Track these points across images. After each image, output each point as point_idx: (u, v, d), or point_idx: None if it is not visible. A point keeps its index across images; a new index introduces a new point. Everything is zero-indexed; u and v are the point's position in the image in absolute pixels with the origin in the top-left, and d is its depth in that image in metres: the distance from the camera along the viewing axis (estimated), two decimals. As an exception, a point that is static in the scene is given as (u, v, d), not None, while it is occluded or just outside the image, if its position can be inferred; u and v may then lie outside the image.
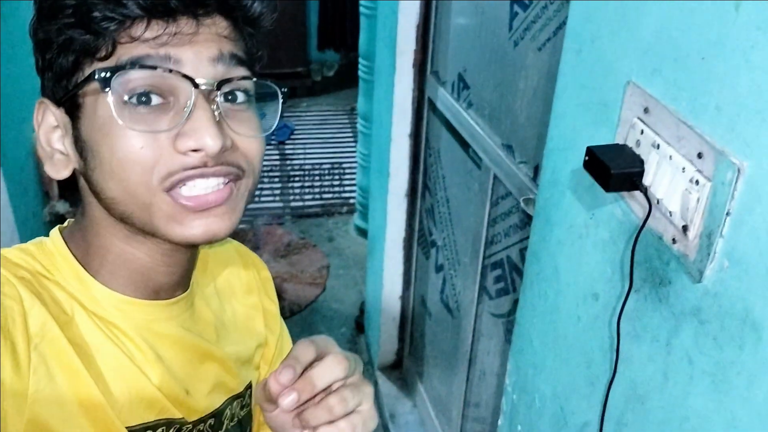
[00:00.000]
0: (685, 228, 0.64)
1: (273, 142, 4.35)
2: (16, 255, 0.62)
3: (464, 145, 1.67)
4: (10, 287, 0.57)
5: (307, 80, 5.00)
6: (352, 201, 3.74)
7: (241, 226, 3.44)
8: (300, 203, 3.76)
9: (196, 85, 0.56)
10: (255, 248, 3.27)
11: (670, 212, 0.66)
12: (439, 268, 1.99)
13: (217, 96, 0.57)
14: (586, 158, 0.72)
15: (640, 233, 0.70)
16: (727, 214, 0.59)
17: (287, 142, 4.37)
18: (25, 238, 2.20)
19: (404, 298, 2.33)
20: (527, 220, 1.36)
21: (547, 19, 1.20)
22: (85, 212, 0.64)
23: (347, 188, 3.91)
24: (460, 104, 1.66)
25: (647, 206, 0.68)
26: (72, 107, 0.59)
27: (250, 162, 0.62)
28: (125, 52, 0.56)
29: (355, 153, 4.19)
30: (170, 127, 0.56)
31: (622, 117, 0.74)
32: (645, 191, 0.68)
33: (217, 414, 0.72)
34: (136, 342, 0.64)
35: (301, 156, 4.25)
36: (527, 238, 1.38)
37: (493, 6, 1.43)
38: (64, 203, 2.68)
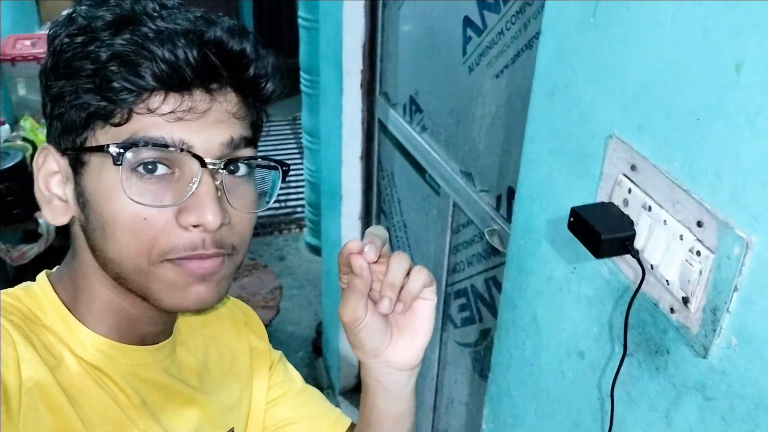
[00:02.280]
0: (685, 300, 0.59)
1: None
2: (4, 300, 0.62)
3: (420, 169, 1.61)
4: (2, 332, 0.57)
5: (245, 90, 4.86)
6: (298, 215, 3.66)
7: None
8: (247, 220, 3.65)
9: (204, 164, 0.57)
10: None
11: (667, 280, 0.61)
12: (398, 293, 1.93)
13: (222, 173, 0.59)
14: (571, 219, 0.67)
15: (633, 299, 0.65)
16: (735, 289, 0.54)
17: (229, 155, 4.24)
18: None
19: (363, 321, 2.27)
20: (492, 250, 1.31)
21: (504, 46, 1.15)
22: (76, 258, 0.65)
23: (293, 201, 3.81)
24: (413, 128, 1.60)
25: (640, 271, 0.63)
26: (77, 161, 0.59)
27: (242, 239, 0.63)
28: (139, 122, 0.56)
29: (300, 164, 4.10)
30: (174, 201, 0.58)
31: (605, 171, 0.69)
32: (637, 255, 0.64)
33: None
34: (122, 386, 0.64)
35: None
36: (493, 267, 1.33)
37: (443, 29, 1.37)
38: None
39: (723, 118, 0.54)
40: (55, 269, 0.68)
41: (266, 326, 0.89)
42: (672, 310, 0.62)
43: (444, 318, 1.61)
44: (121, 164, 0.56)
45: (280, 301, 2.81)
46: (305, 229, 3.35)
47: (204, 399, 0.73)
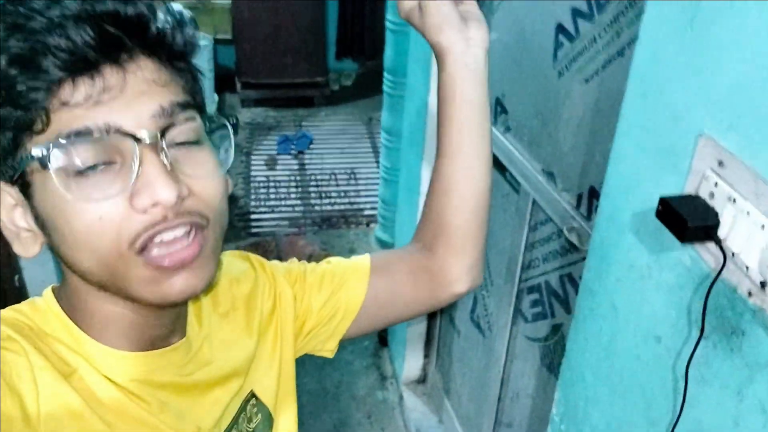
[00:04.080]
0: (763, 284, 0.65)
1: (293, 152, 4.37)
2: (11, 315, 0.62)
3: (501, 168, 1.68)
4: (12, 342, 0.58)
5: (325, 89, 5.03)
6: (369, 212, 3.77)
7: (265, 237, 3.46)
8: (320, 213, 3.79)
9: (138, 140, 0.55)
10: (277, 258, 3.30)
11: (746, 267, 0.67)
12: (470, 288, 2.00)
13: (163, 145, 0.56)
14: (659, 208, 0.73)
15: (714, 283, 0.71)
16: (812, 274, 0.60)
17: (306, 151, 4.39)
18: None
19: (431, 315, 2.34)
20: (569, 247, 1.38)
21: (596, 52, 1.21)
22: (65, 279, 0.64)
23: (365, 198, 3.93)
24: (497, 128, 1.68)
25: (721, 258, 0.70)
26: (23, 185, 0.57)
27: (211, 206, 0.60)
28: (60, 120, 0.54)
29: (373, 163, 4.22)
30: (122, 188, 0.55)
31: (694, 167, 0.75)
32: (720, 243, 0.70)
33: None
34: (138, 394, 0.64)
35: (319, 166, 4.27)
36: (568, 265, 1.39)
37: (535, 35, 1.44)
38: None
39: (810, 119, 0.60)
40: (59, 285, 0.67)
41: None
42: (750, 294, 0.68)
43: (515, 313, 1.68)
44: (49, 165, 0.53)
45: (350, 292, 2.92)
46: (377, 225, 3.46)
47: (226, 370, 0.74)
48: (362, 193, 3.97)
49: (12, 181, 0.58)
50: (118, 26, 0.55)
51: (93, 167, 0.55)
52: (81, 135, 0.53)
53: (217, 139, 0.64)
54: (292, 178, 4.14)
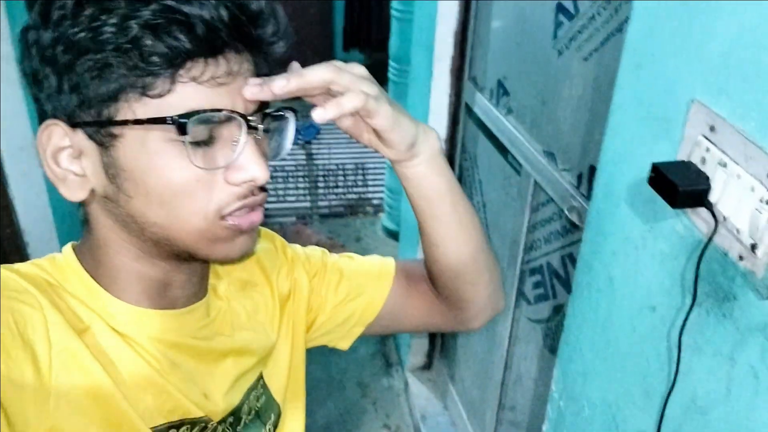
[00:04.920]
0: (753, 246, 0.65)
1: (300, 142, 4.38)
2: (30, 269, 0.63)
3: (503, 150, 1.68)
4: (29, 296, 0.59)
5: (332, 80, 5.01)
6: (376, 201, 3.77)
7: (271, 226, 3.47)
8: (327, 203, 3.80)
9: (249, 124, 0.60)
10: (284, 248, 3.29)
11: (737, 230, 0.67)
12: (473, 272, 2.00)
13: (259, 130, 0.61)
14: (652, 174, 0.73)
15: (706, 248, 0.71)
16: (800, 234, 0.60)
17: (313, 141, 4.40)
18: (62, 236, 2.16)
19: (436, 301, 2.34)
20: (570, 227, 1.38)
21: (594, 30, 1.21)
22: (93, 233, 0.65)
23: (372, 188, 3.93)
24: (499, 110, 1.68)
25: (713, 223, 0.70)
26: (104, 135, 0.58)
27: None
28: (182, 92, 0.56)
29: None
30: (225, 162, 0.60)
31: (686, 134, 0.75)
32: (711, 208, 0.70)
33: (235, 411, 0.74)
34: (151, 351, 0.66)
35: (327, 155, 4.28)
36: (569, 245, 1.39)
37: (535, 15, 1.44)
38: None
39: (798, 78, 0.60)
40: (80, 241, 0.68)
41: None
42: (740, 257, 0.68)
43: (517, 295, 1.68)
44: (187, 134, 0.56)
45: (356, 280, 2.92)
46: (383, 214, 3.46)
47: (241, 343, 0.75)
48: (369, 183, 3.98)
49: (77, 126, 0.58)
50: (246, 16, 0.58)
51: (203, 139, 0.59)
52: (208, 113, 0.57)
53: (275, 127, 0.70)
54: (300, 167, 4.15)
